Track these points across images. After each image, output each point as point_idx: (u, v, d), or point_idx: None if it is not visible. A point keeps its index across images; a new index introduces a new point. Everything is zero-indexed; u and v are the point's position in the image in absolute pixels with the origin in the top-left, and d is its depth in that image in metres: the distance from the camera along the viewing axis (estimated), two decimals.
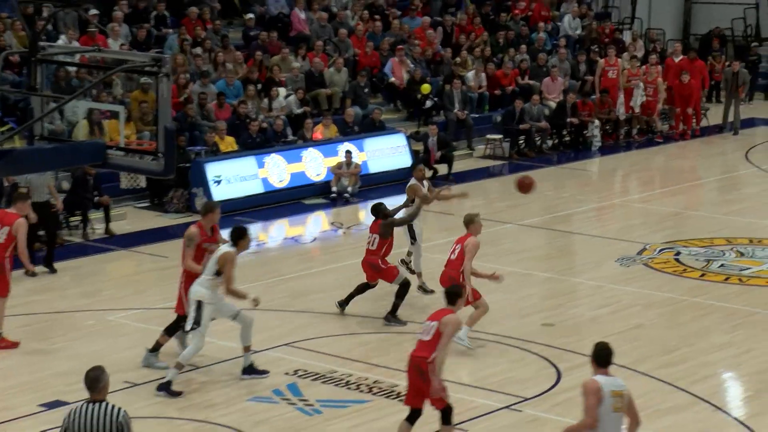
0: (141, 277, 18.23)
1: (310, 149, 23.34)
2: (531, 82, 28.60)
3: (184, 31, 25.96)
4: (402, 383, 12.37)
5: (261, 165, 22.45)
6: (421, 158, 24.25)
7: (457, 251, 14.70)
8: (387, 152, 24.45)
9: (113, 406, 9.05)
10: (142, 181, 21.67)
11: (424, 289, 16.67)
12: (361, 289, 16.00)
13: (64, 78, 21.75)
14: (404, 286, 15.76)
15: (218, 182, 21.63)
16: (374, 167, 24.01)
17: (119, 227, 20.31)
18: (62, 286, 17.59)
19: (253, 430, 12.69)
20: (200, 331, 13.44)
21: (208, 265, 13.54)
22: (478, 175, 24.98)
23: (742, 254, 19.10)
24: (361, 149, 23.92)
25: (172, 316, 14.38)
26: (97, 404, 9.04)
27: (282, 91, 24.88)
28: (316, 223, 22.38)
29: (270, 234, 21.54)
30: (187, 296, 13.69)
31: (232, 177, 21.93)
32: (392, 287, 15.86)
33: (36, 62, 11.51)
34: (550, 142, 27.26)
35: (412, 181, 17.21)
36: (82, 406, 9.10)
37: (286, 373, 14.04)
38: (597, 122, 27.61)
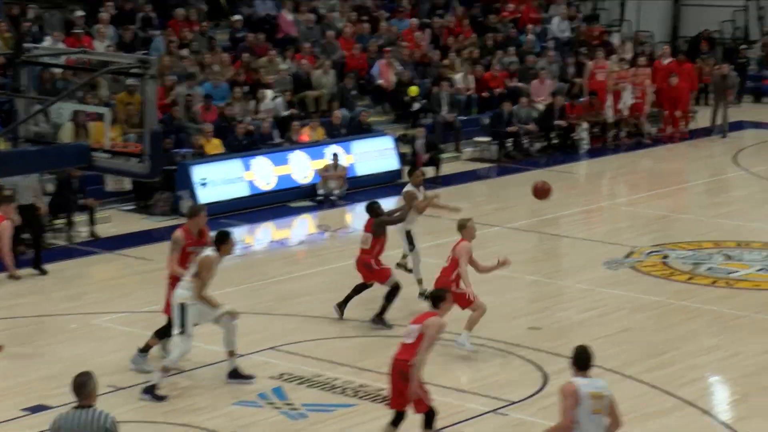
0: (126, 280, 18.14)
1: (297, 152, 23.26)
2: (519, 84, 28.56)
3: (170, 33, 25.89)
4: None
5: (247, 167, 22.37)
6: (410, 161, 24.20)
7: (449, 258, 14.66)
8: (374, 155, 24.38)
9: (101, 412, 8.98)
10: (127, 184, 21.84)
11: (425, 295, 16.52)
12: (358, 289, 15.91)
13: (49, 80, 21.66)
14: (394, 289, 15.69)
15: (204, 185, 21.54)
16: (361, 170, 23.94)
17: (104, 230, 20.21)
18: (46, 289, 17.49)
19: None
20: (186, 334, 13.35)
21: (191, 268, 13.45)
22: (466, 178, 24.93)
23: (729, 257, 19.07)
24: (348, 152, 23.85)
25: (157, 320, 14.30)
26: (84, 410, 8.97)
27: (269, 93, 24.80)
28: (302, 226, 22.31)
29: (256, 237, 21.47)
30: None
31: (218, 179, 21.84)
32: (383, 290, 15.78)
33: (21, 64, 11.44)
34: (538, 145, 27.22)
35: (409, 188, 17.06)
36: (69, 411, 9.03)
37: (272, 377, 13.96)
38: (585, 125, 27.59)
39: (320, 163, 23.15)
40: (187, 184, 21.36)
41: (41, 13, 25.61)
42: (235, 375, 13.80)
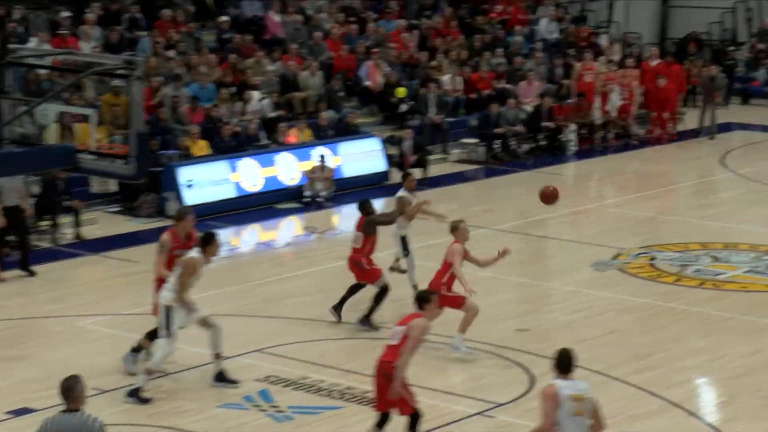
0: (111, 282, 18.06)
1: (284, 153, 23.19)
2: (507, 85, 28.52)
3: (157, 34, 25.81)
4: None
5: (233, 169, 22.29)
6: (397, 162, 24.16)
7: (442, 262, 14.64)
8: (361, 156, 24.32)
9: (88, 416, 8.93)
10: (112, 185, 21.75)
11: None
12: (352, 290, 15.85)
13: (34, 81, 21.56)
14: (383, 291, 15.65)
15: (190, 186, 21.47)
16: (349, 171, 23.88)
17: (90, 232, 20.14)
18: (31, 292, 17.41)
19: None
20: (170, 336, 13.28)
21: (176, 269, 13.39)
22: (454, 180, 24.90)
23: (717, 259, 19.06)
24: (335, 153, 23.79)
25: (142, 322, 14.22)
26: (71, 413, 8.91)
27: (256, 94, 24.73)
28: (289, 228, 22.25)
29: (242, 239, 21.40)
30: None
31: (205, 181, 21.76)
32: (372, 291, 15.72)
33: (6, 65, 11.38)
34: (526, 147, 27.19)
35: (403, 193, 16.96)
36: (56, 415, 8.98)
37: (258, 380, 13.90)
38: (573, 126, 27.57)
39: (307, 165, 23.09)
40: (173, 186, 21.28)
41: (27, 14, 25.52)
42: (221, 378, 13.74)
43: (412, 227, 16.97)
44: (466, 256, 14.64)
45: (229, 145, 22.87)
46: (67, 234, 19.83)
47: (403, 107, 26.58)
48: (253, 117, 24.12)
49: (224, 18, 27.69)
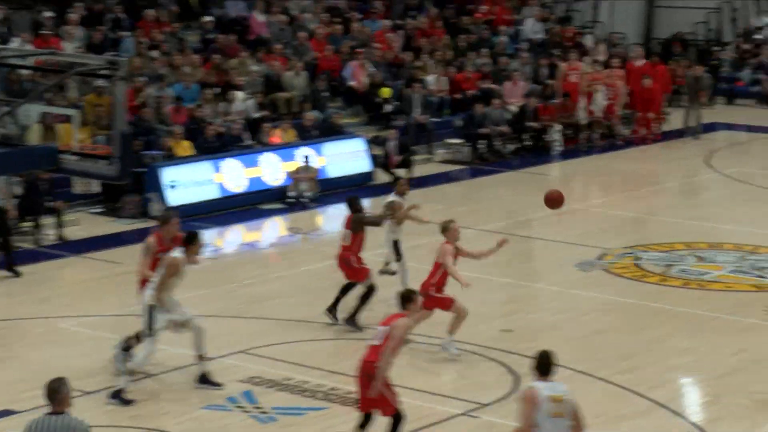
0: (94, 283, 17.97)
1: (268, 154, 23.11)
2: (492, 86, 28.49)
3: (140, 34, 25.72)
4: None
5: (217, 170, 22.21)
6: (382, 163, 24.12)
7: (433, 263, 14.62)
8: (346, 157, 24.26)
9: (73, 419, 8.87)
10: (95, 186, 21.66)
11: None
12: (344, 290, 15.77)
13: (16, 81, 21.43)
14: (369, 291, 15.59)
15: (174, 187, 21.38)
16: (333, 172, 23.81)
17: (72, 233, 20.04)
18: (13, 293, 17.32)
19: None
20: (153, 336, 13.22)
21: (159, 269, 13.33)
22: (439, 180, 24.85)
23: (701, 259, 19.05)
24: (320, 154, 23.72)
25: (126, 324, 14.15)
26: (56, 416, 8.86)
27: (240, 94, 24.64)
28: (273, 229, 22.18)
29: (226, 239, 21.33)
30: None
31: (188, 182, 21.67)
32: (359, 293, 15.67)
33: None
34: (511, 147, 27.16)
35: (394, 197, 16.81)
36: (41, 417, 8.91)
37: (242, 381, 13.84)
38: (559, 126, 27.55)
39: (291, 165, 23.01)
40: (157, 187, 21.19)
41: (9, 14, 25.41)
42: (205, 380, 13.67)
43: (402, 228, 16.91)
44: (457, 255, 14.61)
45: (213, 146, 22.79)
46: (49, 235, 19.73)
47: (388, 107, 26.53)
48: (237, 117, 24.04)
49: (208, 18, 27.60)
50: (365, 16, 30.30)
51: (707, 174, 26.12)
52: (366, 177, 24.21)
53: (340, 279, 15.87)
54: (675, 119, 29.92)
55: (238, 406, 13.20)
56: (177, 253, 13.25)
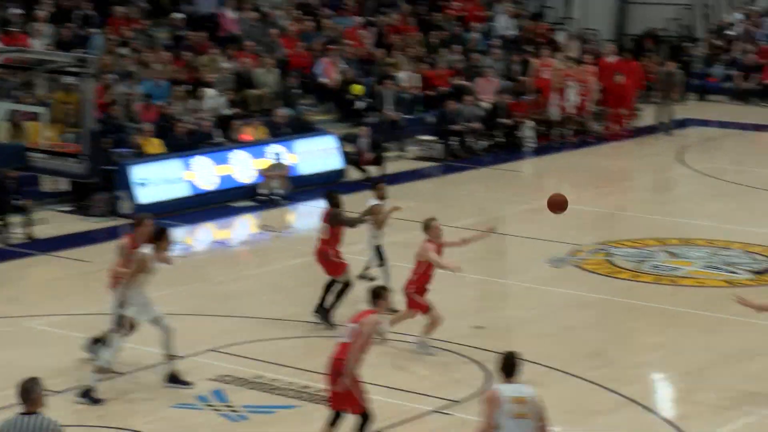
0: (63, 282, 17.83)
1: (238, 151, 22.99)
2: (465, 82, 28.45)
3: (110, 31, 25.56)
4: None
5: (187, 167, 22.07)
6: (354, 160, 24.02)
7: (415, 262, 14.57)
8: (318, 154, 24.16)
9: (44, 419, 8.79)
10: (64, 184, 21.52)
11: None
12: (328, 287, 15.64)
13: None
14: (345, 286, 15.49)
15: (144, 185, 21.23)
16: (305, 169, 23.71)
17: (41, 231, 19.86)
18: None
19: None
20: (120, 332, 13.14)
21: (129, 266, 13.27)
22: (411, 177, 24.79)
23: (673, 255, 19.06)
24: (291, 151, 23.62)
25: (95, 323, 14.03)
26: (29, 416, 8.77)
27: (210, 92, 24.51)
28: (244, 227, 22.07)
29: (197, 237, 21.20)
30: None
31: (158, 180, 21.53)
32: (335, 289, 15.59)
33: None
34: (484, 143, 27.12)
35: (373, 201, 16.57)
36: (13, 417, 8.82)
37: (212, 379, 13.73)
38: (531, 123, 27.54)
39: (262, 163, 22.90)
40: (126, 185, 21.04)
41: None
42: (174, 380, 13.56)
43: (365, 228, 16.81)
44: (439, 250, 14.58)
45: (184, 143, 22.65)
46: (17, 233, 19.55)
47: (360, 104, 26.46)
48: (207, 115, 23.91)
49: (179, 15, 27.45)
50: (337, 12, 30.23)
51: (679, 170, 26.17)
52: (338, 174, 24.13)
53: (312, 276, 15.80)
54: (647, 115, 29.99)
55: (209, 405, 13.09)
56: (145, 249, 13.17)
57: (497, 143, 27.32)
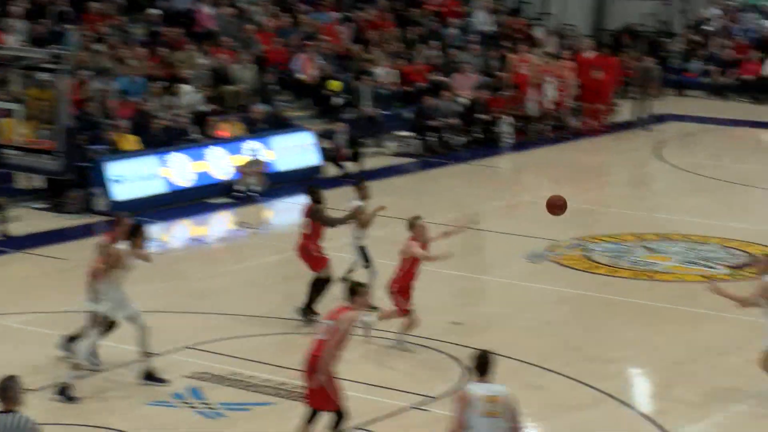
0: (38, 280, 17.69)
1: (215, 147, 22.90)
2: (442, 78, 28.42)
3: (85, 27, 25.41)
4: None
5: (163, 164, 21.97)
6: (331, 156, 23.94)
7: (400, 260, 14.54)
8: (295, 150, 24.09)
9: (22, 417, 8.76)
10: (39, 181, 21.40)
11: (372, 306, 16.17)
12: (312, 286, 15.55)
13: None
14: (326, 281, 15.42)
15: (119, 182, 21.13)
16: (282, 165, 23.63)
17: (16, 228, 19.72)
18: None
19: None
20: (94, 328, 13.07)
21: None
22: (389, 173, 24.77)
23: (651, 250, 19.07)
24: (268, 147, 23.54)
25: (70, 320, 13.94)
26: (6, 415, 8.73)
27: (187, 88, 24.40)
28: (220, 223, 21.99)
29: (173, 234, 21.10)
30: None
31: (134, 176, 21.42)
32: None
33: None
34: (462, 139, 27.10)
35: (358, 203, 16.34)
36: None
37: (188, 376, 13.66)
38: (509, 118, 27.54)
39: (239, 159, 22.81)
40: (102, 182, 20.93)
41: None
42: (149, 377, 13.50)
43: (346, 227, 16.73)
44: (425, 248, 14.57)
45: (159, 140, 22.54)
46: None
47: (338, 100, 26.39)
48: (183, 111, 23.79)
49: (154, 11, 27.32)
50: (314, 8, 30.17)
51: (656, 165, 26.22)
52: (315, 170, 24.06)
53: (289, 273, 15.73)
54: (624, 111, 30.03)
55: (185, 402, 13.03)
56: (120, 245, 13.12)
57: (475, 139, 27.32)
